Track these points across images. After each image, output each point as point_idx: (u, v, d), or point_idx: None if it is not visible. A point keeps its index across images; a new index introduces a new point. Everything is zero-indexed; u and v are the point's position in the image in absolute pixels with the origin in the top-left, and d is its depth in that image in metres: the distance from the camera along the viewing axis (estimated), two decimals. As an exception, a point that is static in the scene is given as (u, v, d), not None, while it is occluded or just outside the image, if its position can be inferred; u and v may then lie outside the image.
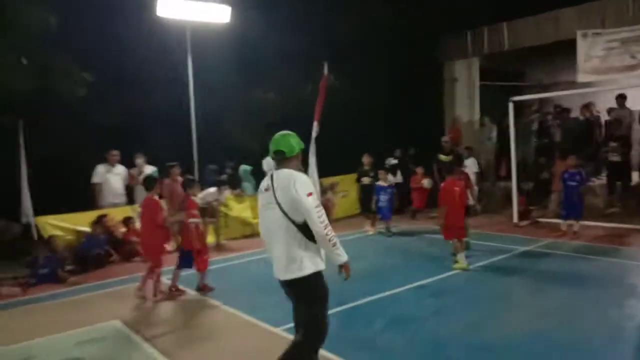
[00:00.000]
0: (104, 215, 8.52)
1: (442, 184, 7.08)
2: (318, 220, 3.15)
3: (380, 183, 9.57)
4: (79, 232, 8.37)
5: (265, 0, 11.69)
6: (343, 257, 3.31)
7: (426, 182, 10.64)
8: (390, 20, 12.42)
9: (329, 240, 3.19)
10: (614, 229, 8.65)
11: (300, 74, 12.00)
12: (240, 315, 5.43)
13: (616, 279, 6.11)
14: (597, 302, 5.32)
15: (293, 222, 3.24)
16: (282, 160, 3.41)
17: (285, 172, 3.34)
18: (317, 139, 9.89)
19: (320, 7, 12.03)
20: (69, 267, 7.74)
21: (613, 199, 10.28)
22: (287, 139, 3.45)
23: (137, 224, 8.86)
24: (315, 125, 9.94)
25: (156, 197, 6.55)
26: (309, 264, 3.28)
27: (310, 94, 11.03)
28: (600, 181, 10.68)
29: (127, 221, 8.71)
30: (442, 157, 10.69)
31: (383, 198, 9.56)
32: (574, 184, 8.55)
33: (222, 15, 10.41)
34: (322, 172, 10.68)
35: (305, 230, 3.24)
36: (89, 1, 9.82)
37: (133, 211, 9.12)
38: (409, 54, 12.27)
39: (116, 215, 8.83)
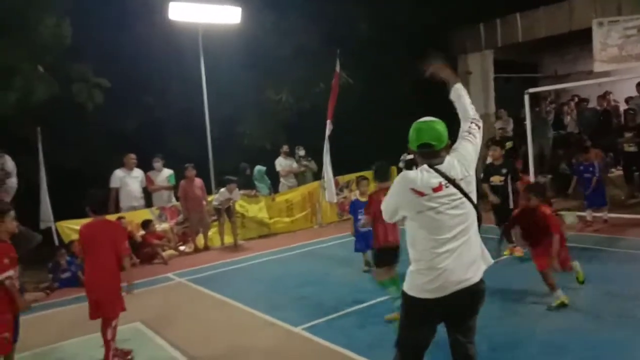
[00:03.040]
0: (122, 217, 8.64)
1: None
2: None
3: (359, 198, 6.74)
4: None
5: (275, 1, 11.71)
6: None
7: None
8: (403, 15, 12.35)
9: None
10: (635, 219, 8.49)
11: (313, 72, 12.02)
12: (259, 315, 5.47)
13: (637, 271, 6.01)
14: (620, 295, 5.24)
15: (479, 213, 2.75)
16: (433, 152, 2.69)
17: (449, 158, 2.70)
18: (330, 137, 9.98)
19: (331, 4, 12.01)
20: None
21: (633, 188, 10.12)
22: (435, 127, 2.71)
23: (156, 227, 9.03)
24: (329, 124, 10.01)
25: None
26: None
27: (324, 92, 11.08)
28: (619, 172, 10.53)
29: (146, 224, 8.82)
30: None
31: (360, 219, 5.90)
32: (588, 175, 8.69)
33: (233, 16, 10.47)
34: (338, 170, 10.78)
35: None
36: (103, 8, 9.98)
37: (152, 214, 9.27)
38: (424, 48, 12.18)
39: (134, 218, 8.95)
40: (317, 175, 11.13)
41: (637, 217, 8.54)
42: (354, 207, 6.67)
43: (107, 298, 4.33)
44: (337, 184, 10.73)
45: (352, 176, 11.38)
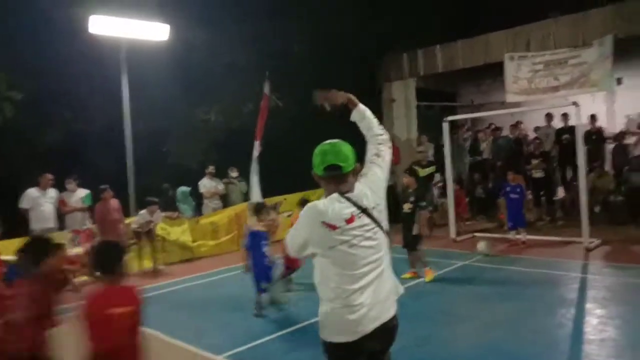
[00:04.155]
0: (31, 242, 7.99)
1: None
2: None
3: (259, 228, 6.20)
4: (2, 262, 7.78)
5: (206, 19, 11.59)
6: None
7: None
8: (332, 41, 12.63)
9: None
10: (544, 241, 9.09)
11: (243, 93, 11.95)
12: (180, 345, 5.20)
13: (548, 289, 6.40)
14: (534, 312, 5.54)
15: (390, 240, 2.62)
16: (341, 175, 2.49)
17: (360, 185, 2.54)
18: (259, 158, 9.90)
19: (262, 26, 12.07)
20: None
21: (542, 212, 10.86)
22: (341, 149, 2.52)
23: (69, 251, 8.44)
24: (257, 144, 9.93)
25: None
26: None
27: (254, 113, 11.02)
28: (528, 197, 11.28)
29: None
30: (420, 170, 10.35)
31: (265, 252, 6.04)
32: (516, 196, 9.14)
33: (160, 33, 10.21)
34: (266, 192, 10.67)
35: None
36: (18, 18, 9.39)
37: (64, 238, 8.65)
38: (353, 74, 12.53)
39: (45, 241, 8.32)
40: (247, 196, 10.98)
41: (546, 239, 9.14)
42: (256, 239, 5.93)
43: None
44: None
45: (280, 198, 11.34)
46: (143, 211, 9.02)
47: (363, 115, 2.79)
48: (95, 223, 8.87)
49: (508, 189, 9.27)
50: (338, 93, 2.80)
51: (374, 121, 2.79)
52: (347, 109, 2.82)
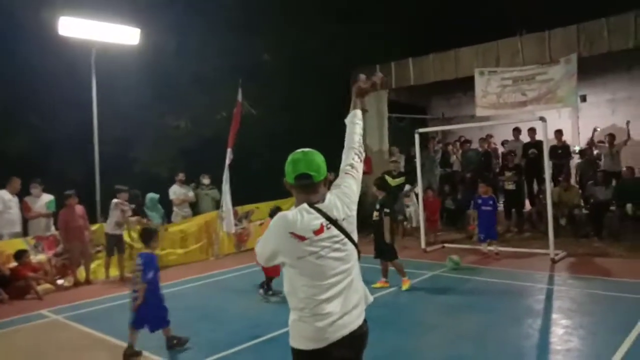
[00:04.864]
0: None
1: None
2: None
3: (151, 251, 5.32)
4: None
5: (178, 26, 11.49)
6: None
7: None
8: (304, 53, 12.69)
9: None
10: (514, 252, 9.25)
11: (215, 99, 11.86)
12: (146, 356, 5.07)
13: (515, 300, 6.51)
14: (501, 322, 5.62)
15: (359, 251, 2.61)
16: (312, 184, 2.49)
17: (330, 196, 2.52)
18: (231, 166, 9.82)
19: (234, 34, 12.03)
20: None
21: (510, 224, 11.08)
22: (313, 158, 2.52)
23: (32, 258, 8.17)
24: (229, 152, 9.87)
25: None
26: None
27: (226, 120, 10.94)
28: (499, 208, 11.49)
29: (19, 255, 7.94)
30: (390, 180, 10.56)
31: None
32: (488, 208, 9.23)
33: (130, 37, 10.06)
34: (238, 200, 10.58)
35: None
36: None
37: (27, 243, 8.39)
38: (326, 84, 12.59)
39: (7, 248, 8.05)
40: (219, 204, 10.86)
41: (513, 250, 9.31)
42: (151, 263, 5.08)
43: None
44: (235, 214, 10.54)
45: (252, 206, 11.25)
46: (112, 207, 8.79)
47: (355, 120, 2.80)
48: (59, 229, 8.63)
49: (480, 201, 9.38)
50: (365, 90, 2.86)
51: (359, 131, 2.79)
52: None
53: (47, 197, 8.98)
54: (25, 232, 8.76)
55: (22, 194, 8.77)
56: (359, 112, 2.83)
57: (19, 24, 9.63)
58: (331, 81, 12.74)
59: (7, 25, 9.53)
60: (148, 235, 5.37)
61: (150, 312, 5.07)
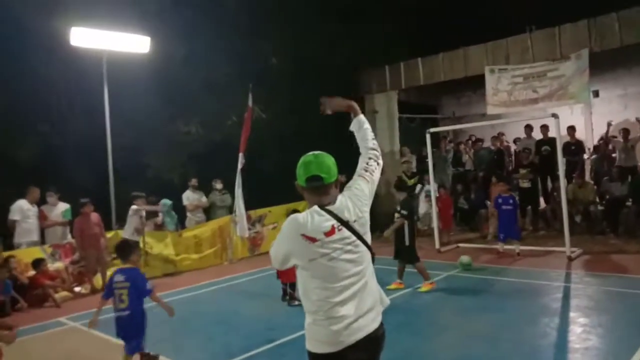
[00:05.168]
0: (11, 257, 7.84)
1: None
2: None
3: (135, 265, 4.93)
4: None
5: (187, 33, 11.59)
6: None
7: None
8: (314, 53, 12.71)
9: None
10: (527, 251, 9.16)
11: (225, 105, 11.93)
12: (164, 360, 5.12)
13: (531, 299, 6.45)
14: (516, 322, 5.57)
15: (373, 253, 2.60)
16: (323, 186, 2.50)
17: (342, 198, 2.53)
18: (243, 170, 9.86)
19: (242, 39, 12.09)
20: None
21: (525, 222, 10.98)
22: (324, 160, 2.53)
23: (49, 266, 8.28)
24: (241, 156, 9.91)
25: None
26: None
27: (236, 125, 10.99)
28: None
29: (37, 263, 8.05)
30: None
31: None
32: (509, 207, 9.11)
33: (141, 45, 10.17)
34: (251, 204, 10.61)
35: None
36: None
37: (44, 252, 8.51)
38: (331, 85, 12.58)
39: (24, 257, 8.17)
40: (231, 209, 10.91)
41: (529, 249, 9.22)
42: (141, 282, 4.64)
43: None
44: (249, 218, 10.57)
45: (265, 210, 11.28)
46: (131, 213, 8.87)
47: (361, 125, 2.81)
48: (74, 238, 8.73)
49: (500, 200, 9.25)
50: (341, 100, 2.85)
51: (370, 134, 2.79)
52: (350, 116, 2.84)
53: (63, 206, 9.10)
54: (42, 241, 8.87)
55: (38, 203, 8.88)
56: (361, 117, 2.83)
57: (31, 35, 9.78)
58: (337, 83, 12.75)
59: (19, 37, 9.68)
60: (123, 250, 4.83)
61: (131, 330, 4.64)
